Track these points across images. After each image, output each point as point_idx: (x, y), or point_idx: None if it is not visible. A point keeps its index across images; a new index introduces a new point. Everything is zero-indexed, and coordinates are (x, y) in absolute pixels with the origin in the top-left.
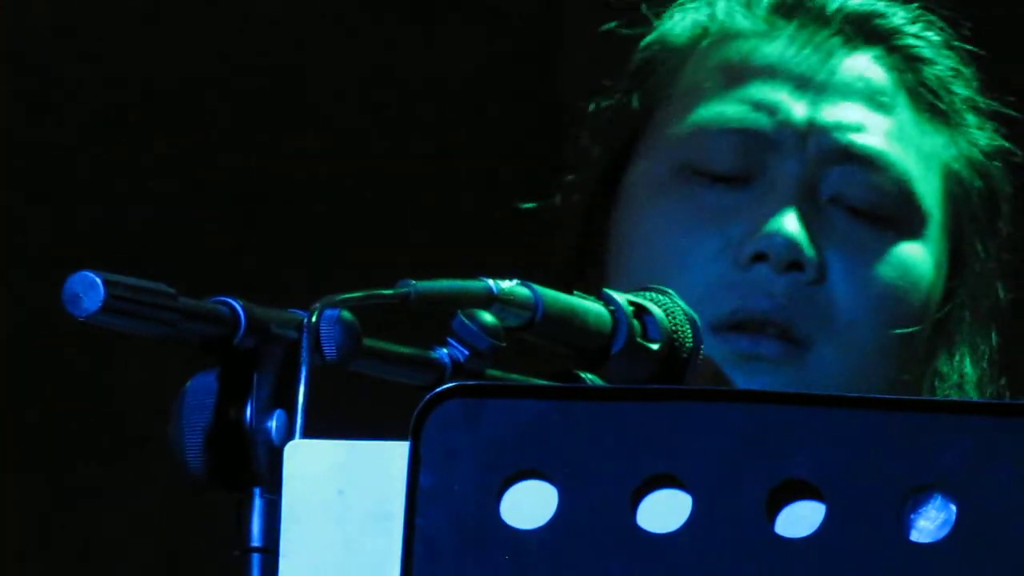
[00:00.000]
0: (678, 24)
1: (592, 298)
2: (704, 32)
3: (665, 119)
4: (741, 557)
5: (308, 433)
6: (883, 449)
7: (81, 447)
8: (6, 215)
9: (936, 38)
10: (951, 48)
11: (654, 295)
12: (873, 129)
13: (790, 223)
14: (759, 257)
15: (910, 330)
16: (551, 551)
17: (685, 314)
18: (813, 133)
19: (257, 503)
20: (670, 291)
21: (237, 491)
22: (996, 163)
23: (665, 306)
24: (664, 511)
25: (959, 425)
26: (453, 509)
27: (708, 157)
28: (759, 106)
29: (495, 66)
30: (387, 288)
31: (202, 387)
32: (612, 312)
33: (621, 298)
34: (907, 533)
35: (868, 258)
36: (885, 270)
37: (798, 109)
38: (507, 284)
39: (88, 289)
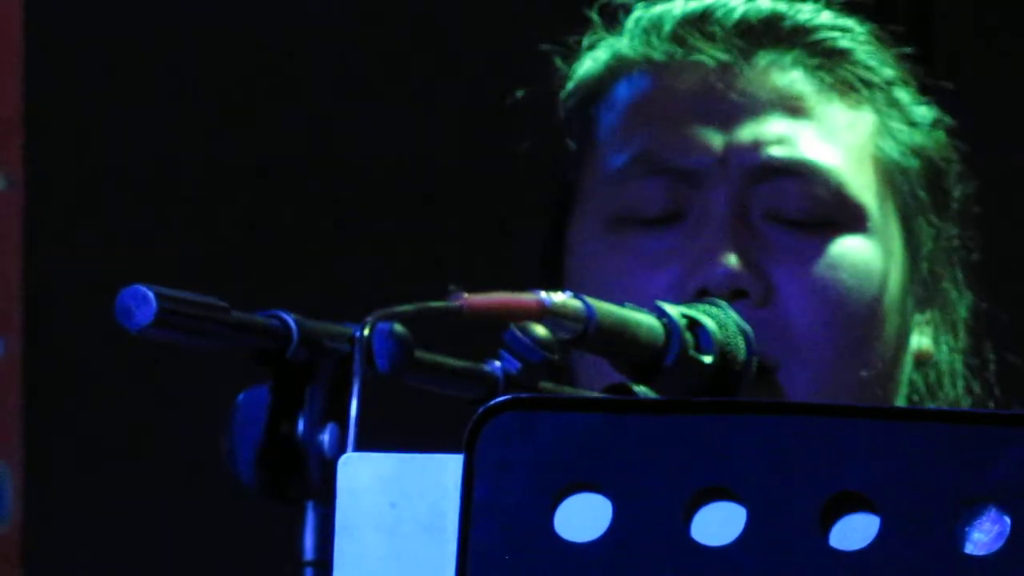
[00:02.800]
0: (590, 66)
1: (645, 310)
2: (612, 71)
3: (592, 169)
4: (795, 570)
5: (361, 446)
6: (936, 461)
7: (131, 460)
8: (64, 226)
9: (851, 25)
10: (868, 32)
11: (707, 307)
12: (793, 138)
13: (727, 252)
14: (703, 293)
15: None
16: (605, 564)
17: (738, 326)
18: (732, 156)
19: (310, 516)
20: (722, 303)
21: (290, 504)
22: (936, 135)
23: (718, 318)
24: (718, 524)
25: (1011, 437)
26: (507, 522)
27: (635, 206)
28: (674, 144)
29: None
30: (438, 300)
31: (254, 401)
32: (664, 324)
33: (674, 310)
34: (961, 546)
35: (813, 265)
36: (832, 272)
37: (713, 137)
38: (560, 297)
39: (141, 303)
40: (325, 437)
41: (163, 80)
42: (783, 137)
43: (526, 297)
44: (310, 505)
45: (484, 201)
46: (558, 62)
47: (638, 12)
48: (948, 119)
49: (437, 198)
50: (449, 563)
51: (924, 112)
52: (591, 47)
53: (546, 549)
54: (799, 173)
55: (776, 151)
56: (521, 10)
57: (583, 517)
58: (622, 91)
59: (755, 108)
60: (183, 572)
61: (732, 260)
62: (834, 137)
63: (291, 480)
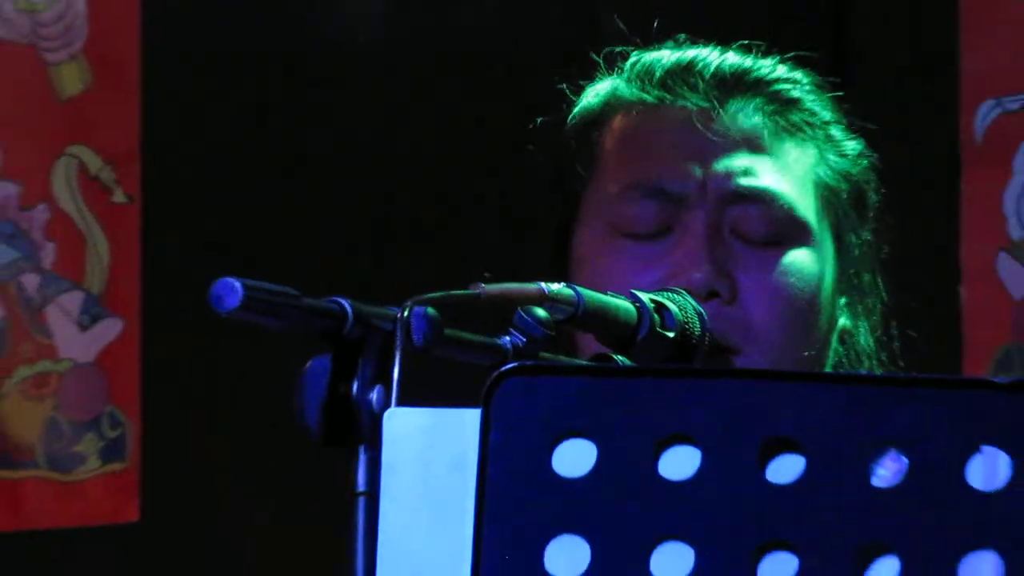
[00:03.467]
0: (592, 100)
1: (623, 297)
2: (612, 106)
3: (595, 188)
4: (738, 498)
5: (401, 403)
6: (850, 413)
7: (222, 415)
8: (170, 231)
9: (798, 77)
10: (811, 83)
11: (670, 295)
12: (756, 171)
13: (704, 262)
14: (686, 290)
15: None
16: (592, 494)
17: (694, 309)
18: (710, 184)
19: (361, 458)
20: (684, 292)
21: (346, 448)
22: (861, 162)
23: (679, 303)
24: (679, 463)
25: (909, 395)
26: (515, 461)
27: (631, 221)
28: (664, 173)
29: None
30: (462, 290)
31: (319, 368)
32: (637, 307)
33: (645, 297)
34: (870, 480)
35: (769, 273)
36: (784, 278)
37: (695, 169)
38: (556, 286)
39: (229, 292)
40: (373, 396)
41: (243, 121)
42: (748, 169)
43: (529, 287)
44: (362, 449)
45: (502, 208)
46: (568, 94)
47: (633, 58)
48: (869, 152)
49: (463, 208)
50: (471, 494)
51: (853, 145)
52: (594, 83)
53: (546, 482)
54: (760, 199)
55: (743, 181)
56: (541, 45)
57: (574, 457)
58: (620, 124)
59: (727, 146)
60: (265, 500)
61: (708, 268)
62: (786, 169)
63: (347, 429)
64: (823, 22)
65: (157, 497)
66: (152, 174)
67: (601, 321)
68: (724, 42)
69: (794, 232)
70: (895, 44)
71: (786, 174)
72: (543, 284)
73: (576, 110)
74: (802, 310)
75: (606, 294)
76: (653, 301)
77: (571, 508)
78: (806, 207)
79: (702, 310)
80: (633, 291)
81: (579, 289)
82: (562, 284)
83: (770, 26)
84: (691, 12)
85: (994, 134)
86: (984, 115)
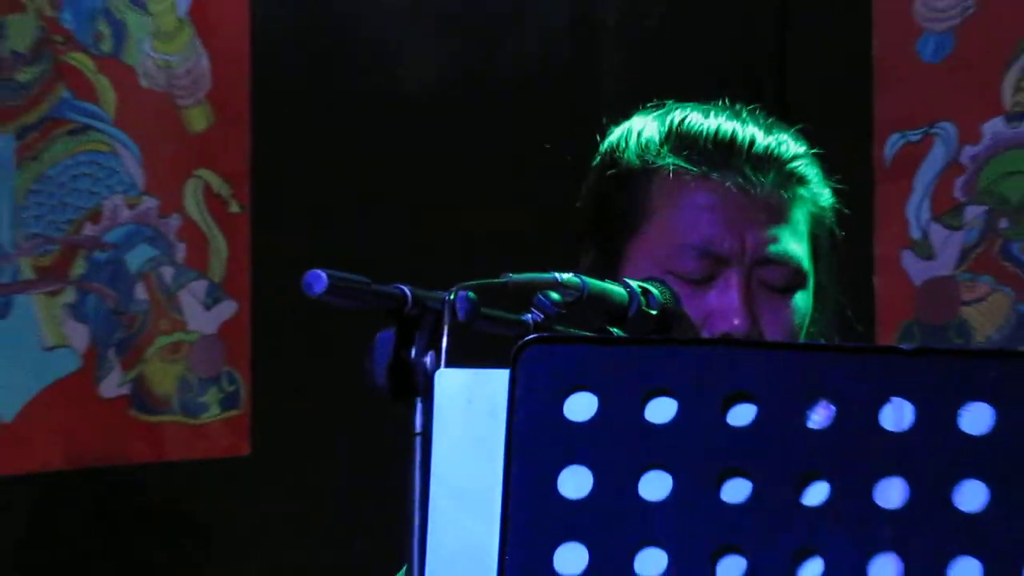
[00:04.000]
0: (632, 155)
1: (618, 284)
2: (654, 167)
3: (649, 235)
4: (707, 438)
5: (449, 365)
6: (792, 373)
7: (312, 375)
8: (274, 234)
9: (802, 152)
10: (807, 152)
11: (654, 282)
12: (780, 238)
13: (741, 312)
14: (726, 334)
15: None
16: (593, 434)
17: (672, 294)
18: (748, 250)
19: (418, 407)
20: (664, 281)
21: (406, 400)
22: (833, 206)
23: (660, 289)
24: (661, 410)
25: (839, 360)
26: (535, 410)
27: (683, 270)
28: (713, 238)
29: None
30: (495, 278)
31: (385, 339)
32: (628, 292)
33: (635, 284)
34: (806, 423)
35: (781, 314)
36: (791, 317)
37: (736, 236)
38: (566, 276)
39: (317, 280)
40: (427, 360)
41: (327, 147)
42: (775, 237)
43: (546, 276)
44: (418, 400)
45: (532, 210)
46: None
47: (669, 121)
48: (836, 199)
49: (502, 212)
50: (502, 435)
51: (827, 195)
52: (624, 131)
53: (558, 426)
54: (783, 263)
55: (772, 248)
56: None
57: (580, 407)
58: (669, 187)
59: (759, 218)
60: (345, 440)
61: (744, 316)
62: (797, 233)
63: (407, 385)
64: (769, 72)
65: (263, 436)
66: (259, 190)
67: (601, 302)
68: (686, 92)
69: (800, 280)
70: (827, 88)
71: (798, 237)
72: (556, 274)
73: (609, 155)
74: (797, 333)
75: (605, 282)
76: (640, 287)
77: (578, 445)
78: (806, 258)
79: (678, 295)
80: (625, 279)
81: (584, 278)
82: (571, 274)
83: (722, 75)
84: (651, 62)
85: (899, 159)
86: (892, 145)
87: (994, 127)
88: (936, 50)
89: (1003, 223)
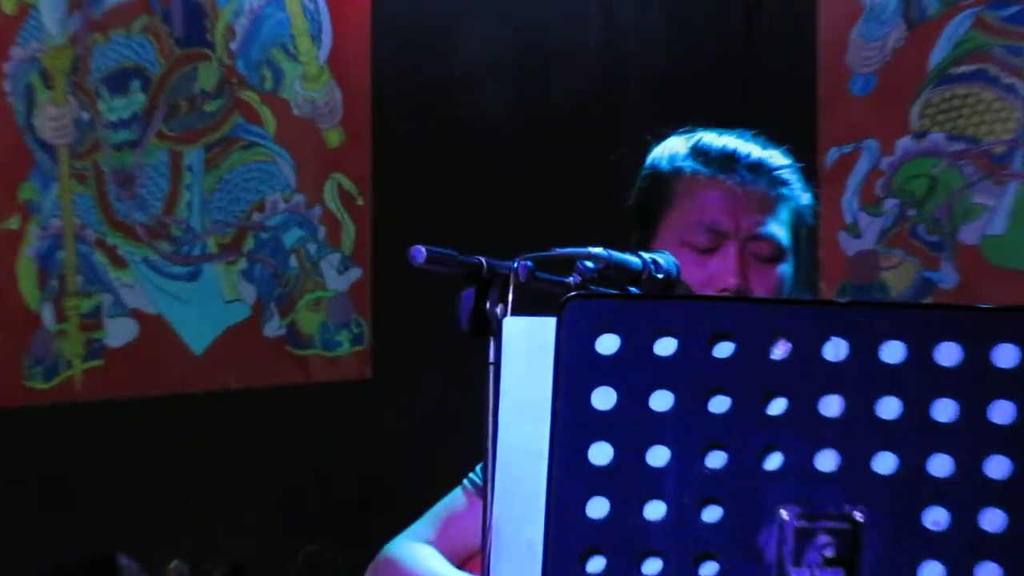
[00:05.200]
0: (663, 163)
1: (635, 254)
2: (678, 170)
3: (673, 216)
4: (697, 366)
5: (514, 314)
6: (759, 318)
7: (419, 320)
8: (391, 218)
9: (786, 162)
10: (791, 163)
11: (661, 253)
12: (766, 223)
13: (736, 273)
14: (724, 289)
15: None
16: (616, 363)
17: (675, 264)
18: (742, 230)
19: (491, 344)
20: (669, 254)
21: (483, 338)
22: (809, 205)
23: (666, 259)
24: (666, 346)
25: (792, 308)
26: (576, 347)
27: (695, 242)
28: (718, 221)
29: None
30: (547, 251)
31: (468, 295)
32: (642, 261)
33: (647, 255)
34: (769, 355)
35: (766, 279)
36: (773, 282)
37: (734, 219)
38: (597, 250)
39: (419, 253)
40: (498, 310)
41: (428, 153)
42: (761, 222)
43: (582, 250)
44: (491, 339)
45: (581, 204)
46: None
47: (691, 139)
48: (814, 197)
49: (554, 201)
50: (551, 365)
51: (808, 196)
52: (659, 148)
53: (591, 357)
54: (767, 240)
55: (759, 229)
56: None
57: (607, 344)
58: (687, 184)
59: (751, 207)
60: (437, 365)
61: (737, 277)
62: (780, 221)
63: (483, 329)
64: (742, 101)
65: (381, 365)
66: (377, 188)
67: (622, 269)
68: (684, 118)
69: (781, 255)
70: (785, 114)
71: (780, 224)
72: (590, 248)
73: (651, 163)
74: (779, 294)
75: (625, 253)
76: (652, 258)
77: (605, 372)
78: (787, 240)
79: (678, 264)
80: (639, 252)
81: (610, 251)
82: (601, 248)
83: (708, 105)
84: (659, 98)
85: (837, 166)
86: (831, 156)
87: (904, 143)
88: (863, 87)
89: (910, 212)
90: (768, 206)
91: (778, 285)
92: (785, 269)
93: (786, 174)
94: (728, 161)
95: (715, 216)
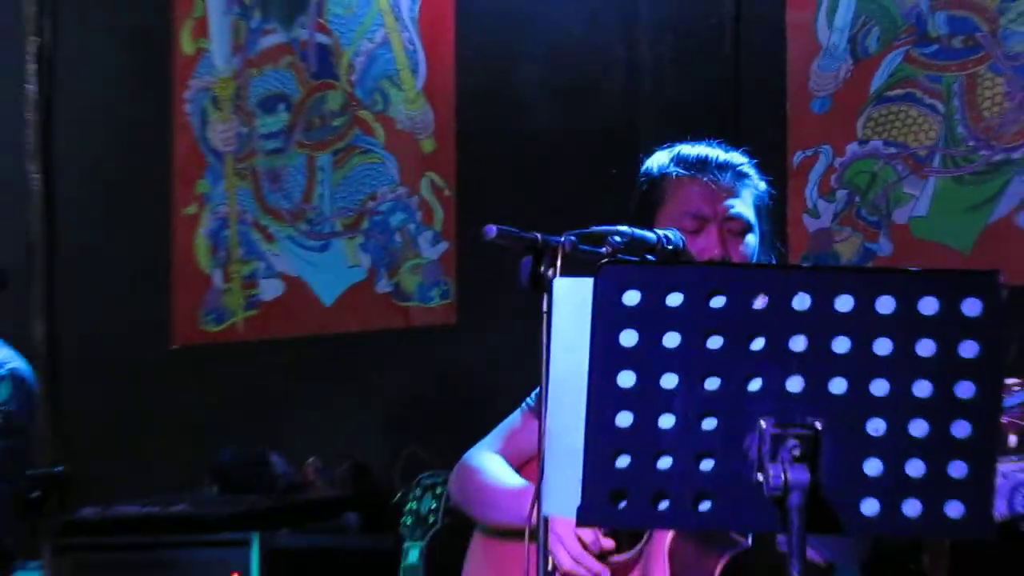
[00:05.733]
0: (655, 170)
1: (652, 231)
2: (666, 175)
3: (666, 209)
4: (697, 315)
5: (561, 275)
6: (744, 279)
7: (491, 277)
8: (472, 205)
9: (746, 160)
10: (751, 161)
11: (671, 230)
12: (736, 206)
13: (717, 247)
14: (711, 258)
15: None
16: (637, 313)
17: (680, 238)
18: (719, 214)
19: (545, 298)
20: (677, 231)
21: (539, 293)
22: (766, 191)
23: (675, 233)
24: (675, 299)
25: (765, 272)
26: (607, 299)
27: (683, 226)
28: (700, 209)
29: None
30: (586, 229)
31: (527, 261)
32: (657, 237)
33: (661, 232)
34: (753, 305)
35: (739, 248)
36: (745, 250)
37: (712, 207)
38: (624, 228)
39: (491, 230)
40: (550, 272)
41: (501, 157)
42: (732, 207)
43: (612, 228)
44: (544, 294)
45: (617, 191)
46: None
47: (674, 151)
48: (768, 185)
49: (595, 188)
50: (589, 313)
51: (763, 184)
52: (653, 158)
53: (619, 308)
54: (738, 220)
55: (731, 211)
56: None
57: (632, 298)
58: (674, 184)
59: (723, 196)
60: (507, 314)
61: (719, 251)
62: (745, 203)
63: (539, 286)
64: (731, 122)
65: (462, 313)
66: (460, 183)
67: (642, 243)
68: (687, 133)
69: (748, 229)
70: (764, 129)
71: (746, 205)
72: (619, 227)
73: (645, 171)
74: (750, 258)
75: (644, 231)
76: (664, 234)
77: (629, 319)
78: (752, 218)
79: (684, 238)
80: (655, 229)
81: (633, 228)
82: (627, 226)
83: (708, 123)
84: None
85: (801, 166)
86: (797, 158)
87: (851, 148)
88: (821, 107)
89: (856, 199)
90: (734, 194)
91: (748, 253)
92: (752, 239)
93: (745, 168)
94: (701, 164)
95: (697, 206)
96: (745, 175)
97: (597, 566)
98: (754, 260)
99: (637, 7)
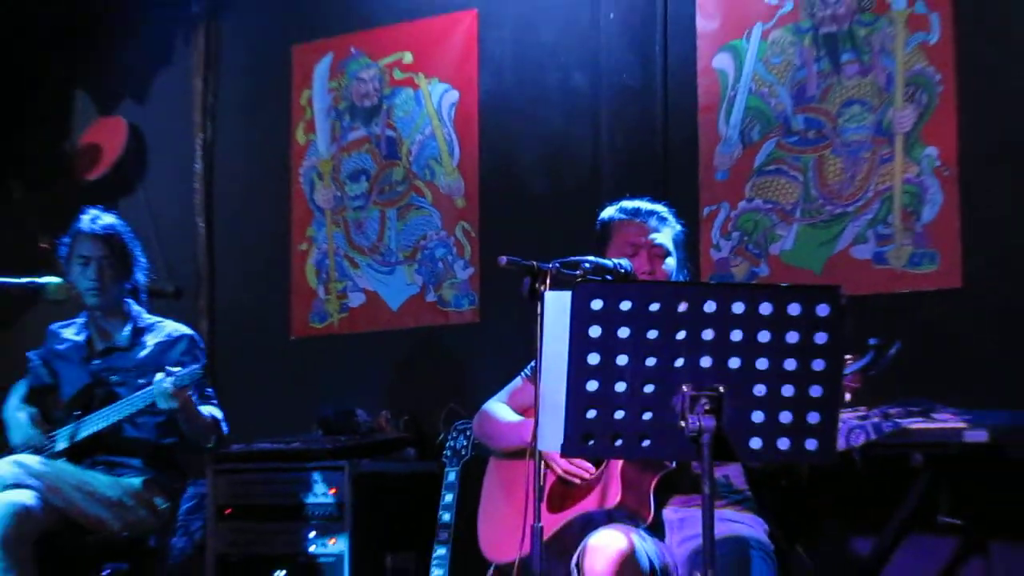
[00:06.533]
0: (607, 218)
1: (610, 260)
2: (615, 220)
3: (614, 241)
4: (639, 314)
5: (550, 289)
6: (675, 293)
7: (504, 294)
8: (492, 236)
9: (666, 208)
10: (670, 210)
11: (623, 259)
12: (661, 240)
13: (648, 266)
14: (644, 273)
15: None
16: (602, 315)
17: (630, 265)
18: (647, 242)
19: (539, 305)
20: (626, 259)
21: (536, 301)
22: (681, 231)
23: (625, 262)
24: (626, 305)
25: (689, 288)
26: (580, 306)
27: (625, 252)
28: (637, 242)
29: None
30: (568, 258)
31: (527, 280)
32: (614, 264)
33: (616, 261)
34: (678, 309)
35: (662, 268)
36: (667, 269)
37: (642, 237)
38: (591, 257)
39: (501, 259)
40: (542, 288)
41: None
42: (659, 240)
43: (583, 258)
44: (539, 303)
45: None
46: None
47: (620, 204)
48: (683, 226)
49: (571, 230)
50: (568, 315)
51: (679, 226)
52: (606, 208)
53: (589, 312)
54: (661, 247)
55: (656, 242)
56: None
57: (596, 304)
58: (619, 226)
59: (650, 232)
60: (510, 316)
61: (650, 269)
62: (666, 237)
63: (536, 297)
64: (664, 179)
65: (484, 316)
66: (482, 227)
67: (603, 268)
68: (631, 189)
69: (668, 254)
70: (684, 188)
71: (666, 238)
72: (587, 257)
73: (600, 219)
74: (670, 276)
75: (604, 259)
76: (618, 263)
77: (595, 318)
78: (671, 246)
79: (632, 264)
80: (612, 259)
81: (598, 258)
82: (593, 256)
83: (642, 183)
84: (619, 179)
85: (709, 216)
86: (705, 211)
87: (742, 204)
88: (723, 176)
89: (745, 238)
90: (658, 230)
91: (669, 271)
92: (672, 261)
93: (665, 214)
94: (636, 211)
95: (634, 239)
96: (665, 219)
97: (580, 471)
98: (674, 277)
99: (599, 112)
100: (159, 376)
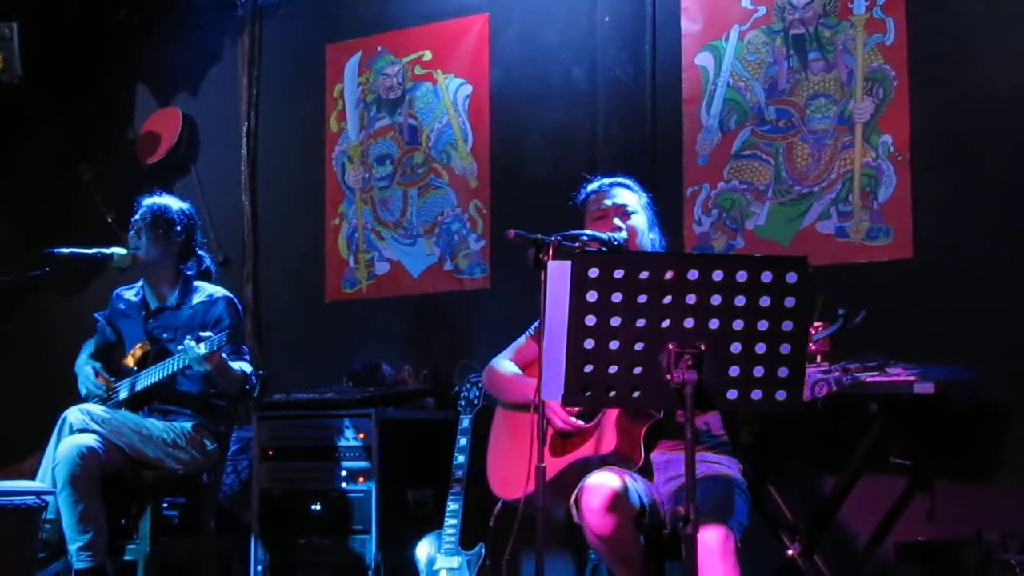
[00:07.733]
0: (583, 194)
1: (605, 234)
2: (588, 195)
3: (589, 210)
4: (630, 281)
5: (554, 259)
6: (664, 262)
7: (514, 263)
8: (501, 218)
9: (631, 180)
10: (635, 181)
11: (615, 233)
12: (618, 197)
13: (620, 225)
14: (613, 230)
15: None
16: (597, 281)
17: (624, 238)
18: (615, 205)
19: (544, 273)
20: (621, 232)
21: (541, 270)
22: (644, 196)
23: (619, 236)
24: (620, 271)
25: (676, 257)
26: (579, 274)
27: (595, 216)
28: (601, 203)
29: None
30: (569, 231)
31: (532, 250)
32: (609, 236)
33: (610, 234)
34: (665, 276)
35: (628, 222)
36: (634, 225)
37: (611, 202)
38: (588, 231)
39: (510, 233)
40: (547, 258)
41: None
42: (616, 197)
43: (581, 231)
44: (544, 271)
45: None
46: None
47: (593, 183)
48: (642, 192)
49: (572, 217)
50: (568, 281)
51: (644, 195)
52: (585, 186)
53: (587, 278)
54: (624, 207)
55: (615, 201)
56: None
57: (593, 272)
58: (593, 198)
59: (610, 197)
60: (510, 281)
61: (620, 227)
62: (626, 199)
63: (540, 266)
64: (651, 164)
65: (495, 282)
66: (494, 204)
67: (599, 240)
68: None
69: (631, 212)
70: (669, 171)
71: (626, 200)
72: (585, 230)
73: (579, 194)
74: (637, 233)
75: (597, 233)
76: (610, 236)
77: (592, 284)
78: (634, 205)
79: (625, 237)
80: (600, 232)
81: (593, 232)
82: (589, 230)
83: (634, 163)
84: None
85: (691, 195)
86: (689, 190)
87: (721, 185)
88: (704, 160)
89: (723, 215)
90: (618, 195)
91: (636, 226)
92: (639, 219)
93: (624, 181)
94: (599, 185)
95: (597, 206)
96: (624, 184)
97: (575, 424)
98: (644, 235)
99: (596, 103)
100: (190, 342)
